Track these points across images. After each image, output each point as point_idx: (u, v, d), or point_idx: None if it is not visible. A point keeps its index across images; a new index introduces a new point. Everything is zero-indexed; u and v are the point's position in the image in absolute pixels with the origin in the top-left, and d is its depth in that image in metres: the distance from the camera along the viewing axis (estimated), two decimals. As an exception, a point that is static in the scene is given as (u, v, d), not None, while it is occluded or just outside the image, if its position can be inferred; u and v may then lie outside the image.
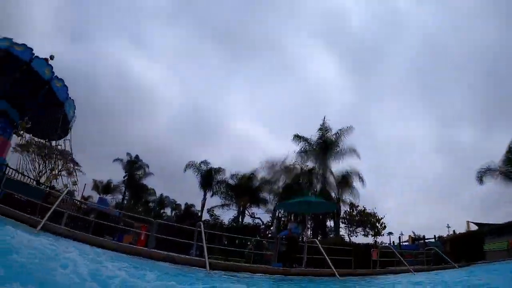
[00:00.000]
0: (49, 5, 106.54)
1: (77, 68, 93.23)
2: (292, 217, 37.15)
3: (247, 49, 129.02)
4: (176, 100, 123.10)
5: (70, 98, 29.36)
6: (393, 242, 50.37)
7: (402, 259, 17.38)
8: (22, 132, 27.86)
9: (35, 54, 25.67)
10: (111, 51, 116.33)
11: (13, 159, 32.03)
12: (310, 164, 40.78)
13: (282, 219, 42.43)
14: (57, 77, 27.63)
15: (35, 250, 5.18)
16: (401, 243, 49.99)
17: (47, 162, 39.20)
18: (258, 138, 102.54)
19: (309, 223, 37.04)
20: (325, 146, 39.15)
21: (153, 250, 11.85)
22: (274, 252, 16.39)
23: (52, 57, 27.45)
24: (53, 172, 38.03)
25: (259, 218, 44.34)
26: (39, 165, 39.47)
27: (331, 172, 38.44)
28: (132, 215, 38.62)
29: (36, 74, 25.76)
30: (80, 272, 4.57)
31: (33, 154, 36.59)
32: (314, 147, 39.97)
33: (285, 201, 19.50)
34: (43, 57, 26.82)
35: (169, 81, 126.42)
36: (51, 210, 9.03)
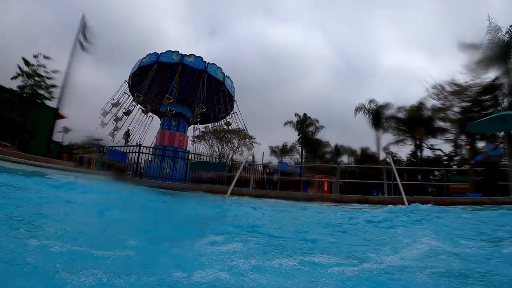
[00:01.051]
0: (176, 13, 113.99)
1: (225, 57, 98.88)
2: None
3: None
4: (325, 52, 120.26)
5: (226, 76, 32.00)
6: None
7: None
8: (197, 119, 30.85)
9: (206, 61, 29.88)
10: (250, 31, 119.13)
11: (194, 149, 36.88)
12: (488, 77, 34.08)
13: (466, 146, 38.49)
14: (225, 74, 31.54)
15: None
16: None
17: (224, 143, 42.71)
18: (415, 65, 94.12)
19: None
20: (503, 49, 31.67)
21: (341, 195, 11.96)
22: (470, 182, 15.00)
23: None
24: (233, 149, 41.59)
25: (439, 149, 40.29)
26: (218, 148, 43.30)
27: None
28: (312, 166, 39.96)
29: (213, 78, 30.13)
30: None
31: (210, 140, 40.49)
32: (488, 54, 32.59)
33: (475, 122, 17.04)
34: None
35: (312, 37, 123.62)
36: (236, 176, 9.65)
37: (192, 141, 37.15)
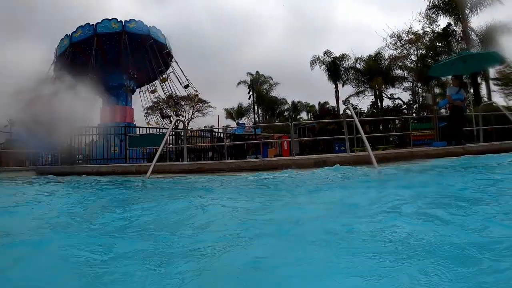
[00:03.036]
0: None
1: (175, 23, 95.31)
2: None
3: None
4: (278, 11, 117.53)
5: (165, 36, 30.55)
6: None
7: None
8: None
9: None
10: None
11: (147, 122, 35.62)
12: (442, 24, 34.87)
13: (423, 94, 38.57)
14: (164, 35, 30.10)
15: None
16: None
17: (178, 111, 41.00)
18: (370, 19, 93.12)
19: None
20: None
21: (299, 157, 10.74)
22: (434, 129, 13.83)
23: None
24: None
25: (398, 98, 40.62)
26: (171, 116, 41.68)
27: (471, 29, 32.41)
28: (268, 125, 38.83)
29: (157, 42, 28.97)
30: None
31: (163, 110, 38.47)
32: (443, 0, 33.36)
33: (436, 64, 16.04)
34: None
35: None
36: (159, 150, 7.86)
37: (145, 113, 34.96)
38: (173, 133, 22.66)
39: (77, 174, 10.00)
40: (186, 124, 39.04)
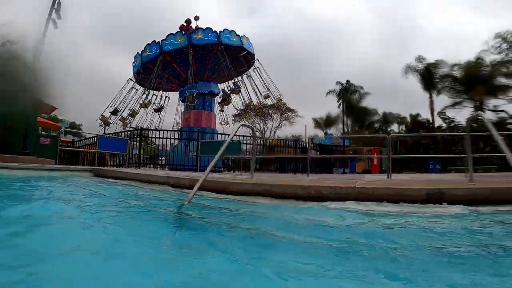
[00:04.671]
0: None
1: (265, 34, 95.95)
2: None
3: None
4: (367, 17, 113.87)
5: (242, 36, 29.15)
6: None
7: None
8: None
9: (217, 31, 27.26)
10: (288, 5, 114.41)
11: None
12: None
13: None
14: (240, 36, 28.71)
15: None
16: None
17: (265, 119, 40.09)
18: (464, 20, 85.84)
19: None
20: None
21: (399, 179, 8.71)
22: None
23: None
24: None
25: (502, 110, 35.48)
26: (260, 125, 40.83)
27: None
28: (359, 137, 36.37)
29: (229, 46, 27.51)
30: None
31: (251, 118, 37.77)
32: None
33: None
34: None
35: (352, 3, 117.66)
36: (212, 163, 6.02)
37: (233, 120, 34.26)
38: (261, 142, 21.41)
39: (128, 179, 8.77)
40: (272, 133, 37.74)
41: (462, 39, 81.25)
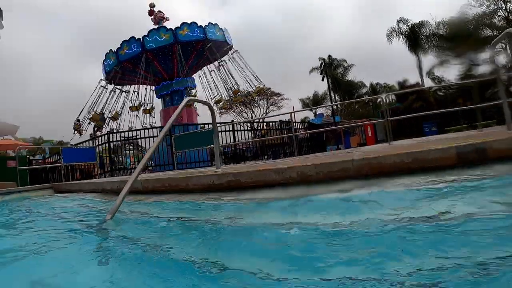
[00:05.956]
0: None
1: (240, 23, 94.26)
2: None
3: None
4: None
5: (224, 30, 27.66)
6: None
7: None
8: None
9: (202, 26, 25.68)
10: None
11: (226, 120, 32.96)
12: None
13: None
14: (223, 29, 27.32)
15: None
16: None
17: (252, 107, 39.15)
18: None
19: None
20: None
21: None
22: None
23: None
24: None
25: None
26: (247, 113, 40.13)
27: None
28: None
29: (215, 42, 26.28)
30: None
31: (238, 107, 36.76)
32: None
33: None
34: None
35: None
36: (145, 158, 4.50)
37: (220, 112, 32.65)
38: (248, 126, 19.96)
39: (84, 191, 7.22)
40: (260, 120, 36.55)
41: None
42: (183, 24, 24.62)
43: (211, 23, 25.47)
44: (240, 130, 18.35)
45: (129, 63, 25.46)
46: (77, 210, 4.87)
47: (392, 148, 5.53)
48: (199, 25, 24.80)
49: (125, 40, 25.13)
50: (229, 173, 4.17)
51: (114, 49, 25.88)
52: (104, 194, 6.38)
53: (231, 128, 17.54)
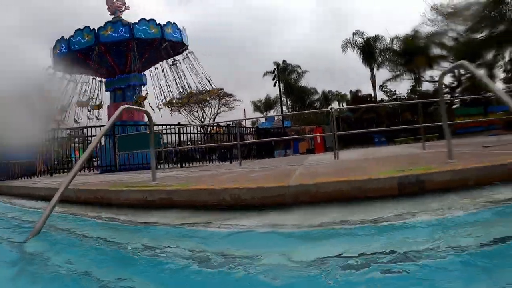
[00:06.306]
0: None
1: (198, 22, 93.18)
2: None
3: None
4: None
5: (183, 29, 27.05)
6: None
7: None
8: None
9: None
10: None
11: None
12: None
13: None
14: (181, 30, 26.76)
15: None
16: None
17: (204, 107, 38.86)
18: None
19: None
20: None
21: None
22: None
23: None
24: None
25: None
26: (198, 112, 39.85)
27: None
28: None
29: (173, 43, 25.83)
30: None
31: (189, 106, 36.26)
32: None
33: None
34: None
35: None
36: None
37: (170, 109, 31.85)
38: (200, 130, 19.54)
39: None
40: (211, 120, 36.00)
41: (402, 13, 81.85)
42: (142, 20, 23.96)
43: (170, 22, 24.93)
44: (187, 133, 17.96)
45: (80, 54, 24.25)
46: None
47: (336, 167, 5.45)
48: (157, 23, 24.22)
49: (78, 29, 23.91)
50: (162, 190, 3.92)
51: (66, 36, 24.47)
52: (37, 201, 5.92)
53: (177, 131, 17.05)
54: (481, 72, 3.39)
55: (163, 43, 24.17)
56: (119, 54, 24.34)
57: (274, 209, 3.20)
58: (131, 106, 5.70)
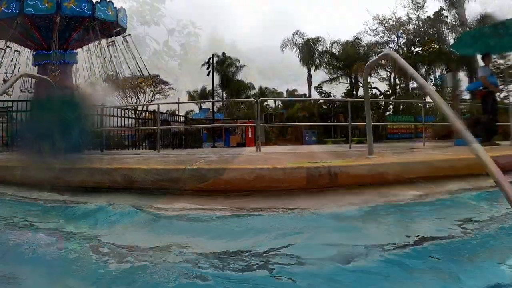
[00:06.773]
0: None
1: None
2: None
3: None
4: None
5: (119, 10, 26.44)
6: None
7: None
8: None
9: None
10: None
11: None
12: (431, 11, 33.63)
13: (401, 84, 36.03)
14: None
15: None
16: None
17: (138, 92, 37.86)
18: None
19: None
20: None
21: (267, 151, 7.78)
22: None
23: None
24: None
25: (376, 87, 37.78)
26: (131, 98, 39.07)
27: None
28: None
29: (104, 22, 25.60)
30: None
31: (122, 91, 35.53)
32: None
33: (468, 33, 12.49)
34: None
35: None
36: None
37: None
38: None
39: None
40: (144, 107, 35.39)
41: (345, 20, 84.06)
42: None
43: (105, 1, 23.87)
44: (116, 116, 17.31)
45: (4, 23, 22.98)
46: None
47: (249, 157, 5.34)
48: (89, 0, 23.05)
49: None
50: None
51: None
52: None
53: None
54: (405, 63, 3.36)
55: (93, 22, 23.25)
56: (46, 28, 23.47)
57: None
58: (31, 73, 5.39)
